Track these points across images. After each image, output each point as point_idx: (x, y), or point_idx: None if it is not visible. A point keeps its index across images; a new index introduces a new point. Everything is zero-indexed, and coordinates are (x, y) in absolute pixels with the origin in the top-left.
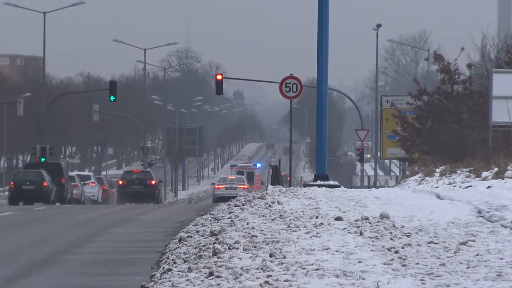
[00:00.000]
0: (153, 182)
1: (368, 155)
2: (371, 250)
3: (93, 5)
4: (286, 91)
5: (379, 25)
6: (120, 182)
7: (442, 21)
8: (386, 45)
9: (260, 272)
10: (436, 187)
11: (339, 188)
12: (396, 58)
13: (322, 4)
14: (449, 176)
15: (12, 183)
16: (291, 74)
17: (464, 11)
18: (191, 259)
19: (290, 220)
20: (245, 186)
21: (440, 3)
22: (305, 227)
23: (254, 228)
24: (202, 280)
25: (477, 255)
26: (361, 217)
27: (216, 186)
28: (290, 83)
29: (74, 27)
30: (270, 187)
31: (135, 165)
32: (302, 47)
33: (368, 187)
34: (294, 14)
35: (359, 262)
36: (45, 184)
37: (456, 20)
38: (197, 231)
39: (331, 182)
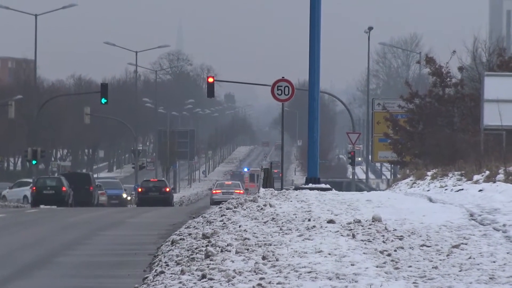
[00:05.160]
0: (168, 189)
1: (360, 158)
2: (364, 253)
3: (84, 7)
4: (278, 94)
5: (370, 28)
6: (140, 190)
7: (434, 24)
8: (378, 48)
9: (252, 275)
10: (428, 190)
11: (330, 191)
12: (388, 61)
13: (314, 8)
14: (441, 179)
15: (34, 188)
16: (283, 77)
17: (456, 15)
18: (184, 262)
19: (282, 223)
20: (241, 191)
21: (432, 7)
22: (297, 230)
23: (246, 231)
24: (195, 283)
25: (470, 258)
26: (354, 220)
27: (214, 191)
28: (282, 86)
29: (65, 30)
30: (262, 190)
31: (126, 167)
32: (293, 50)
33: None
34: (285, 17)
35: (351, 265)
36: (64, 189)
37: (448, 24)
38: (190, 234)
39: (323, 185)
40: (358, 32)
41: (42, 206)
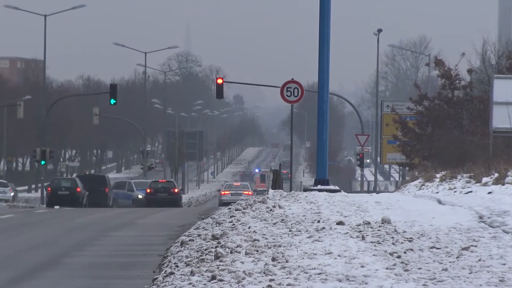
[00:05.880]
0: (176, 190)
1: (368, 160)
2: (373, 255)
3: (93, 8)
4: (287, 95)
5: (379, 30)
6: (148, 190)
7: (443, 27)
8: (387, 50)
9: (262, 276)
10: (437, 193)
11: (339, 193)
12: (397, 63)
13: (324, 10)
14: (449, 181)
15: (50, 189)
16: (292, 79)
17: (465, 18)
18: (193, 263)
19: (291, 224)
20: (250, 193)
21: (442, 9)
22: (307, 231)
23: (256, 232)
24: (204, 284)
25: (480, 260)
26: (363, 222)
27: (222, 192)
28: (291, 88)
29: (74, 30)
30: (271, 191)
31: (134, 168)
32: (302, 51)
33: (368, 192)
34: (295, 18)
35: (361, 266)
36: (78, 190)
37: (457, 26)
38: (199, 235)
39: (332, 187)
40: (367, 34)
41: (56, 207)
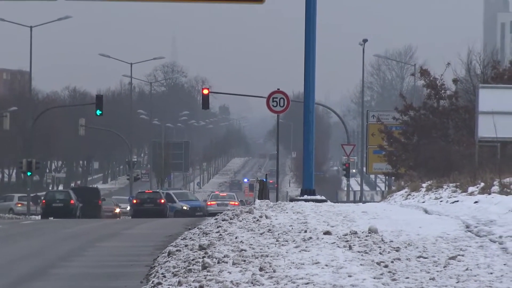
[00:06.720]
0: (162, 201)
1: (354, 170)
2: (361, 265)
3: (79, 20)
4: (273, 105)
5: (365, 40)
6: (134, 201)
7: (428, 37)
8: (372, 60)
9: (250, 286)
10: (423, 202)
11: (326, 203)
12: (382, 73)
13: (310, 20)
14: (435, 191)
15: (44, 201)
16: (278, 89)
17: (450, 27)
18: (181, 273)
19: (278, 234)
20: (236, 203)
21: (427, 19)
22: (294, 241)
23: (243, 242)
24: None
25: (467, 269)
26: (350, 232)
27: (209, 203)
28: (277, 98)
29: (60, 42)
30: (257, 201)
31: (120, 179)
32: (288, 61)
33: (354, 202)
34: (280, 29)
35: (349, 276)
36: (72, 202)
37: (442, 36)
38: (186, 245)
39: (318, 197)
40: (353, 44)
41: (51, 219)
